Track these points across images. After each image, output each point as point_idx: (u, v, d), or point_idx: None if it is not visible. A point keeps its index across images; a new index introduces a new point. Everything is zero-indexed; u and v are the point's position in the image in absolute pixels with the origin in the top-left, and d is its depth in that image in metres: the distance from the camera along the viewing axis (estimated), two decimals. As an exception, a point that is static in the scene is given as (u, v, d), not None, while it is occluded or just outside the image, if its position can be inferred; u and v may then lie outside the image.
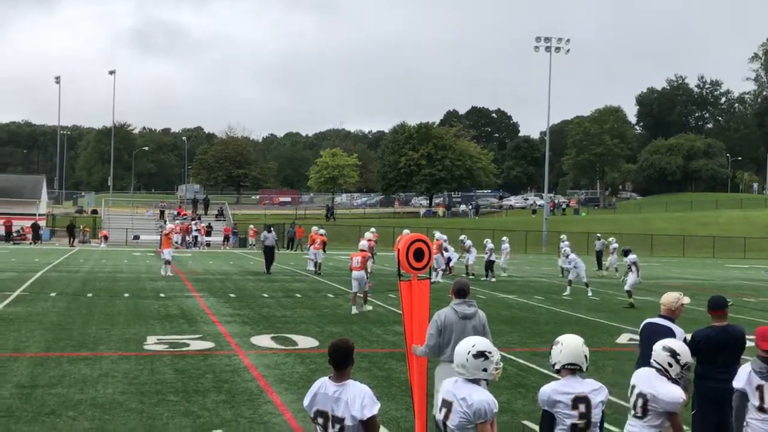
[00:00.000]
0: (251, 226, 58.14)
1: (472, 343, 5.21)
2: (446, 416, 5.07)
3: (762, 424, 5.69)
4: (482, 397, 5.00)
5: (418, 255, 7.86)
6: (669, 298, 7.55)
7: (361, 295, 19.78)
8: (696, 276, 38.45)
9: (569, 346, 5.40)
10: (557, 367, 5.41)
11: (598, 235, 42.57)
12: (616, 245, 35.91)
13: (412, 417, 7.95)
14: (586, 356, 5.41)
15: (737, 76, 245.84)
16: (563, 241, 32.31)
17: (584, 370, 5.39)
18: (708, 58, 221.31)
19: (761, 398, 5.67)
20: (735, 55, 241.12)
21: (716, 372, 7.23)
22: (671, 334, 7.11)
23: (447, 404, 5.10)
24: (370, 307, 19.96)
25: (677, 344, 5.93)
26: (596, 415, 5.27)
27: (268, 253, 31.65)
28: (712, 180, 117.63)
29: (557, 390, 5.30)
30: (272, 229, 33.95)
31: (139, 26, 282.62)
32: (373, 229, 32.02)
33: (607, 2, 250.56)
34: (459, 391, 5.05)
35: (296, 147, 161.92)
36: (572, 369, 5.36)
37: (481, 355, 5.12)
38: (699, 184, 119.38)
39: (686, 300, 7.47)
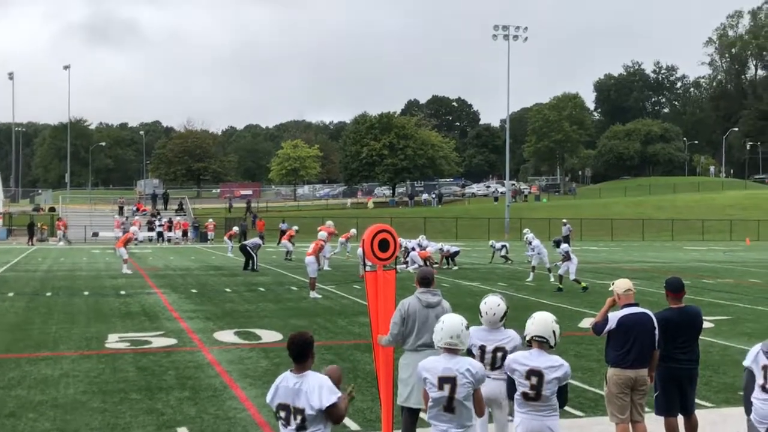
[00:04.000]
0: (210, 220, 57.71)
1: (460, 318, 5.68)
2: (452, 391, 5.47)
3: (763, 404, 5.84)
4: (478, 365, 5.61)
5: (383, 245, 7.85)
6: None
7: (310, 282, 20.69)
8: (656, 259, 39.02)
9: (539, 320, 5.92)
10: (528, 338, 5.90)
11: (564, 220, 43.04)
12: (531, 235, 35.27)
13: (379, 407, 7.95)
14: (554, 332, 5.87)
15: (692, 61, 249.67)
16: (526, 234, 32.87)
17: (552, 345, 5.82)
18: (664, 44, 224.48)
19: (765, 377, 5.82)
20: (690, 41, 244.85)
21: (676, 352, 7.34)
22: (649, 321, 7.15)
23: (449, 380, 5.48)
24: (317, 295, 20.40)
25: None
26: (548, 389, 5.68)
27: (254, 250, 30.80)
28: (669, 164, 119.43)
29: (516, 359, 5.84)
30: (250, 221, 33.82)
31: (92, 20, 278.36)
32: (330, 222, 32.60)
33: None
34: (459, 365, 5.51)
35: (257, 139, 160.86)
36: (540, 341, 5.81)
37: (468, 327, 5.69)
38: (657, 168, 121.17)
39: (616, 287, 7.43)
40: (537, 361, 5.73)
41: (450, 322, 5.66)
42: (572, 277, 22.87)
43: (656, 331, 7.09)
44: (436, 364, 5.58)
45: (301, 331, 5.23)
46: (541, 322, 5.90)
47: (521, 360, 5.79)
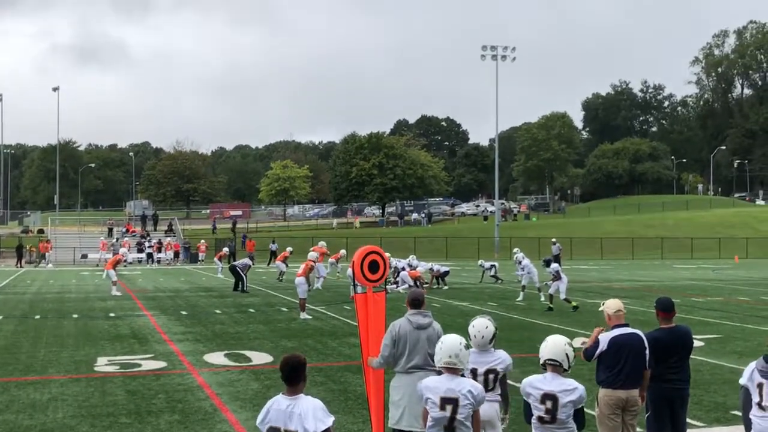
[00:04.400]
0: (202, 240, 57.58)
1: (459, 338, 5.79)
2: (454, 412, 5.57)
3: (761, 420, 5.88)
4: (479, 387, 5.70)
5: (373, 267, 7.85)
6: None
7: (300, 303, 20.70)
8: (645, 278, 39.10)
9: (552, 344, 5.98)
10: (541, 361, 5.96)
11: (554, 239, 43.05)
12: (521, 255, 34.61)
13: (370, 430, 7.91)
14: (567, 355, 5.92)
15: (679, 80, 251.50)
16: (516, 253, 33.08)
17: (566, 368, 5.89)
18: (651, 63, 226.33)
19: (761, 395, 5.85)
20: (677, 60, 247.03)
21: (667, 372, 7.35)
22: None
23: (451, 401, 5.58)
24: (307, 316, 20.42)
25: None
26: (563, 413, 5.73)
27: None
28: (658, 182, 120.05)
29: (531, 384, 5.90)
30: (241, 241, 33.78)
31: (81, 41, 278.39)
32: (322, 243, 32.77)
33: (549, 10, 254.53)
34: (461, 386, 5.62)
35: (246, 160, 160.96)
36: (553, 365, 5.88)
37: (468, 347, 5.80)
38: (645, 186, 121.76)
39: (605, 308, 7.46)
40: (551, 384, 5.81)
41: (449, 342, 5.77)
42: (562, 296, 22.88)
43: (647, 351, 7.10)
44: (438, 384, 5.67)
45: (294, 353, 5.21)
46: (554, 345, 5.97)
47: (536, 384, 5.87)
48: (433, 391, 5.66)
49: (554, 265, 24.01)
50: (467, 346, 5.80)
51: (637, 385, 7.08)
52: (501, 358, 6.70)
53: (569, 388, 5.78)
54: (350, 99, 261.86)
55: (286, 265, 34.72)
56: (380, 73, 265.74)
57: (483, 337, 6.66)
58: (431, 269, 31.98)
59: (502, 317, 20.91)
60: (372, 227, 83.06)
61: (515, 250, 31.45)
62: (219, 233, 70.42)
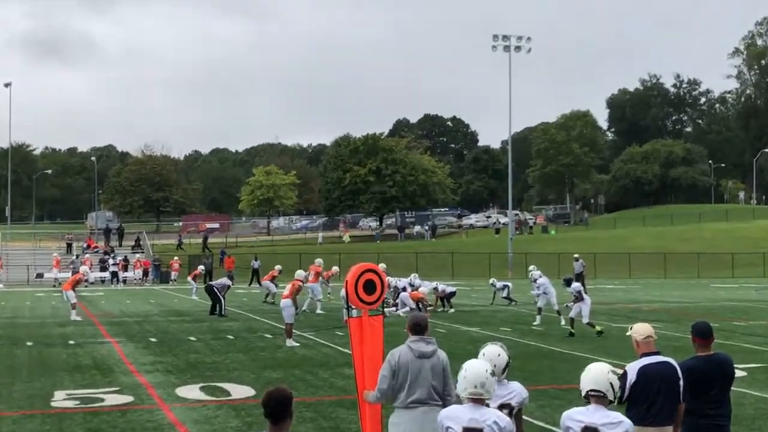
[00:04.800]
0: (175, 257, 57.57)
1: (484, 364, 6.01)
2: None
3: None
4: (506, 419, 5.85)
5: (369, 287, 7.85)
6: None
7: (286, 328, 20.86)
8: (680, 298, 39.10)
9: (594, 373, 6.12)
10: (583, 393, 6.11)
11: (576, 255, 42.98)
12: (537, 273, 33.35)
13: (366, 473, 7.89)
14: (612, 384, 6.08)
15: (717, 73, 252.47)
16: (532, 271, 33.25)
17: (611, 398, 6.06)
18: (685, 55, 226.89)
19: None
20: (714, 51, 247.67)
21: (705, 406, 7.32)
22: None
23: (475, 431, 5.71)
24: (294, 343, 20.50)
25: None
26: None
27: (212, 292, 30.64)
28: (693, 190, 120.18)
29: (570, 416, 6.00)
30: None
31: (38, 33, 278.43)
32: (319, 261, 32.86)
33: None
34: (486, 416, 5.76)
35: (224, 165, 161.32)
36: (596, 396, 6.00)
37: (494, 374, 5.98)
38: (679, 194, 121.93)
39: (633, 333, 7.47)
40: (593, 417, 5.89)
41: (474, 370, 5.89)
42: (585, 320, 22.88)
43: (681, 383, 7.09)
44: (460, 413, 5.81)
45: (278, 386, 5.20)
46: (597, 374, 6.09)
47: (576, 417, 5.96)
48: (455, 420, 5.77)
49: (576, 285, 24.05)
50: (493, 374, 5.94)
51: (670, 421, 7.06)
52: (515, 391, 6.69)
53: (614, 421, 5.85)
54: (343, 96, 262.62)
55: (276, 285, 34.65)
56: (377, 67, 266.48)
57: (495, 366, 6.64)
58: (435, 289, 31.97)
59: (516, 344, 20.88)
60: (366, 242, 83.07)
61: (531, 267, 31.45)
62: (187, 248, 70.35)
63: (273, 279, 34.80)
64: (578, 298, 23.06)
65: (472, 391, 5.80)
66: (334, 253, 60.22)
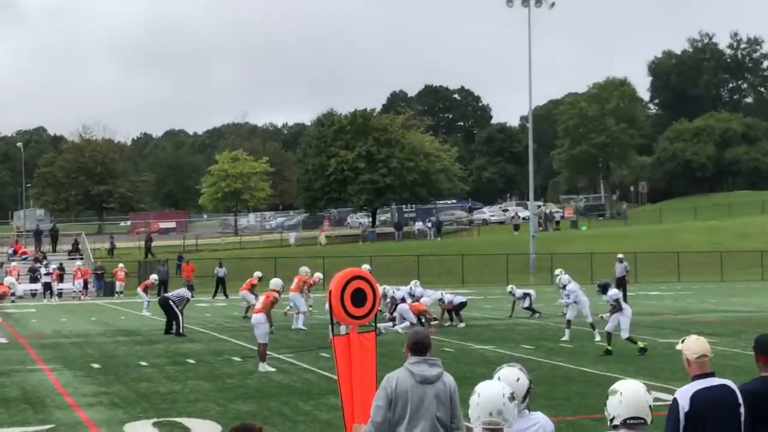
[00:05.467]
0: (120, 265, 57.54)
1: (501, 386, 5.94)
2: None
3: None
4: None
5: (358, 298, 7.85)
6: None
7: (259, 349, 20.92)
8: (740, 306, 39.18)
9: (630, 396, 6.10)
10: (616, 422, 6.08)
11: (620, 256, 42.86)
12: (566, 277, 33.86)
13: None
14: (650, 407, 6.09)
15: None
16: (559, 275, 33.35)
17: (648, 424, 6.06)
18: (743, 9, 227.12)
19: None
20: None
21: (770, 439, 7.33)
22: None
23: None
24: (269, 368, 20.63)
25: None
26: None
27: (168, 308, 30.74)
28: (755, 174, 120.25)
29: None
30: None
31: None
32: (305, 269, 32.89)
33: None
34: None
35: (181, 151, 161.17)
36: (634, 424, 6.03)
37: (513, 398, 5.87)
38: (738, 180, 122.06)
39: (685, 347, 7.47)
40: None
41: (488, 394, 5.83)
42: (624, 334, 22.90)
43: (742, 410, 7.10)
44: None
45: (245, 423, 5.21)
46: (634, 397, 6.09)
47: None
48: None
49: (613, 292, 23.97)
50: (513, 398, 5.87)
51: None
52: (539, 423, 6.64)
53: None
54: (326, 65, 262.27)
55: (255, 296, 34.67)
56: (367, 28, 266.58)
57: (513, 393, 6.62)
58: (441, 300, 32.00)
59: (540, 365, 20.92)
60: (356, 243, 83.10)
61: (557, 270, 31.49)
62: (135, 253, 70.34)
63: (252, 288, 34.81)
64: (616, 307, 23.06)
65: (486, 420, 5.74)
66: (316, 256, 60.26)
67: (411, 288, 31.65)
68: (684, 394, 7.14)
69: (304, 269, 33.31)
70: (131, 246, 79.81)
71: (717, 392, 7.11)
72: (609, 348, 22.90)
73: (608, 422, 6.10)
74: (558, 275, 29.06)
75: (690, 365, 7.31)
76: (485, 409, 5.76)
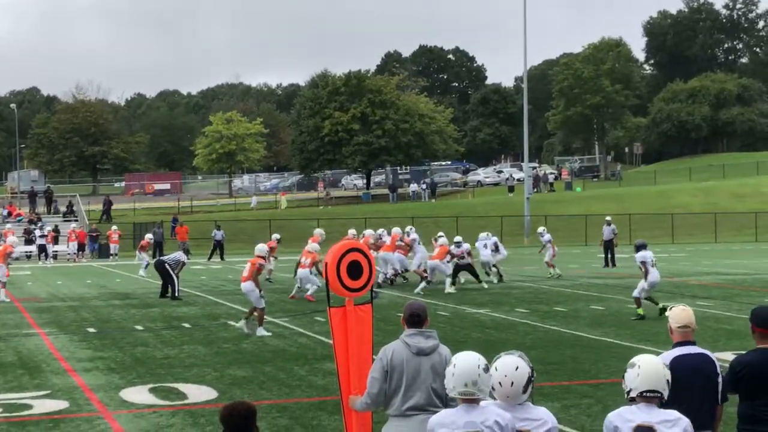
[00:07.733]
0: (114, 227, 57.41)
1: (476, 356, 6.03)
2: None
3: None
4: (508, 416, 5.92)
5: (354, 270, 7.83)
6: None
7: (256, 314, 21.03)
8: (734, 269, 39.24)
9: (648, 370, 6.18)
10: (633, 394, 6.18)
11: (608, 218, 43.08)
12: (548, 237, 35.86)
13: (353, 495, 7.93)
14: (668, 381, 6.20)
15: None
16: (542, 235, 34.45)
17: (665, 398, 6.17)
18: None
19: None
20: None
21: (763, 413, 7.34)
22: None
23: None
24: (265, 333, 20.66)
25: None
26: None
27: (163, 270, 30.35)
28: (750, 135, 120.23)
29: (621, 415, 6.12)
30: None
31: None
32: (319, 231, 31.09)
33: None
34: (484, 416, 5.86)
35: (175, 111, 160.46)
36: (650, 397, 6.13)
37: (488, 369, 5.98)
38: (733, 141, 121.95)
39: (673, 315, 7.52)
40: (647, 416, 6.03)
41: (463, 365, 5.93)
42: (634, 293, 22.73)
43: (719, 379, 7.14)
44: (454, 417, 5.90)
45: (238, 400, 5.22)
46: (651, 371, 6.17)
47: (626, 415, 6.09)
48: (449, 426, 5.84)
49: (639, 254, 23.09)
50: (487, 369, 5.95)
51: (707, 426, 7.09)
52: (542, 419, 6.19)
53: (671, 419, 6.01)
54: (321, 25, 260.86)
55: (275, 258, 33.61)
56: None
57: (512, 383, 6.09)
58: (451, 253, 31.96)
59: (535, 329, 20.98)
60: (352, 203, 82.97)
61: (540, 228, 31.93)
62: (131, 215, 70.14)
63: (271, 251, 32.94)
64: (643, 269, 22.64)
65: (462, 390, 5.88)
66: (311, 218, 60.13)
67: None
68: (664, 359, 7.18)
69: (318, 231, 31.37)
70: (126, 207, 79.64)
71: (696, 359, 7.20)
72: (642, 314, 22.28)
73: (625, 394, 6.22)
74: (540, 232, 29.58)
75: (673, 333, 7.44)
76: (461, 380, 5.89)
